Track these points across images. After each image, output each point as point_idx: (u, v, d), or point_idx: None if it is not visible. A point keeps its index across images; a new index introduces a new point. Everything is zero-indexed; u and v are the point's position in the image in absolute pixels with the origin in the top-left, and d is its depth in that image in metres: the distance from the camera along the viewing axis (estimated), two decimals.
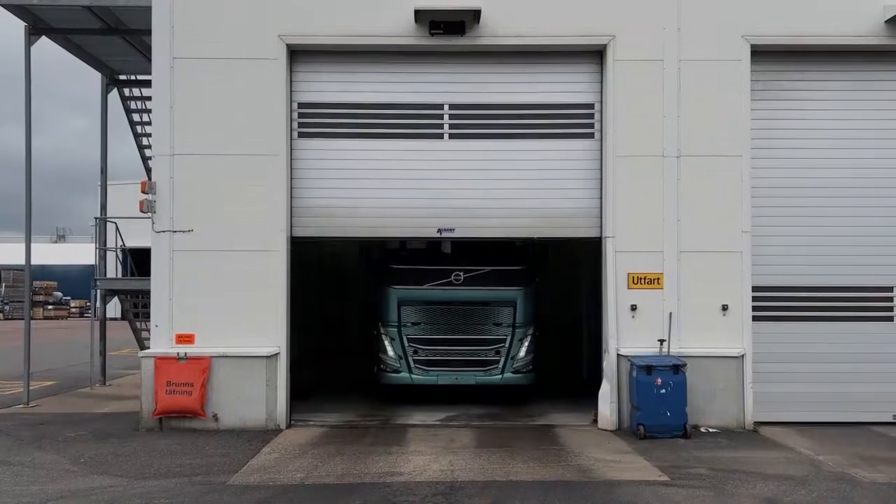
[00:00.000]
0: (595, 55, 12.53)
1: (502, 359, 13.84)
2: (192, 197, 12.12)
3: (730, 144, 12.17)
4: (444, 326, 13.89)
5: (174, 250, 12.11)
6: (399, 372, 13.89)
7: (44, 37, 15.03)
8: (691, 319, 12.08)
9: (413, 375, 13.80)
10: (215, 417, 11.75)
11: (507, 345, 13.86)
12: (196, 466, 9.57)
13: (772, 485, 8.67)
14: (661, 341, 11.92)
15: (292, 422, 12.14)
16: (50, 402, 14.68)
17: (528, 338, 14.01)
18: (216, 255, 12.07)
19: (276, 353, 12.02)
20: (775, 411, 12.06)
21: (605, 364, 12.14)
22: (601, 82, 12.51)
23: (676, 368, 11.36)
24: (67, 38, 15.75)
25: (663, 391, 11.26)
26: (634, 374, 11.53)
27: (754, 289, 12.14)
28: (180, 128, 12.15)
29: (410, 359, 13.87)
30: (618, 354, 12.02)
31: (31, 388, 14.72)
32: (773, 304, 12.25)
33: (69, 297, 53.57)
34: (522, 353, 13.91)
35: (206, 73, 12.19)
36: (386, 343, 13.99)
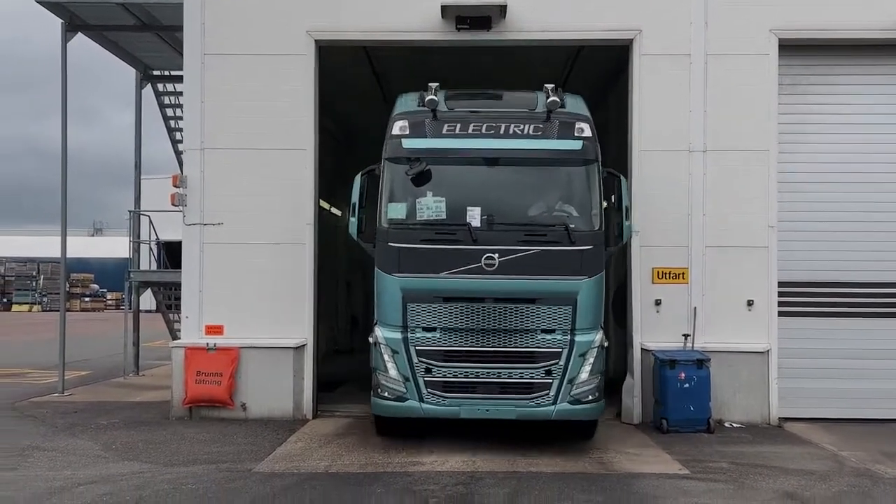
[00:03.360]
0: (622, 50, 12.56)
1: (556, 382, 9.60)
2: (222, 191, 12.33)
3: (757, 139, 12.12)
4: (471, 334, 9.67)
5: (204, 243, 12.34)
6: (404, 399, 9.69)
7: (80, 33, 15.39)
8: (716, 314, 12.05)
9: (424, 405, 9.64)
10: (244, 407, 11.97)
11: (562, 361, 9.61)
12: (223, 454, 9.79)
13: (792, 479, 8.68)
14: (686, 336, 11.92)
15: (319, 412, 12.33)
16: (84, 392, 15.02)
17: (595, 351, 9.73)
18: (245, 247, 12.27)
19: (303, 345, 12.20)
20: (801, 407, 12.01)
21: (629, 358, 12.18)
22: (628, 77, 12.52)
23: (700, 363, 11.37)
24: (103, 34, 16.07)
25: (687, 385, 11.26)
26: (658, 368, 11.55)
27: (780, 284, 12.09)
28: (210, 122, 12.37)
29: (421, 380, 9.66)
30: (642, 349, 12.05)
31: (66, 377, 15.07)
32: (799, 299, 12.18)
33: (105, 290, 54.46)
34: (586, 374, 9.64)
35: (236, 69, 12.38)
36: (385, 357, 9.79)
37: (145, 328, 18.23)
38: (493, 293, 9.62)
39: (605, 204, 10.26)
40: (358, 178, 10.44)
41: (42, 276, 52.10)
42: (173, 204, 12.42)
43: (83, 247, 56.79)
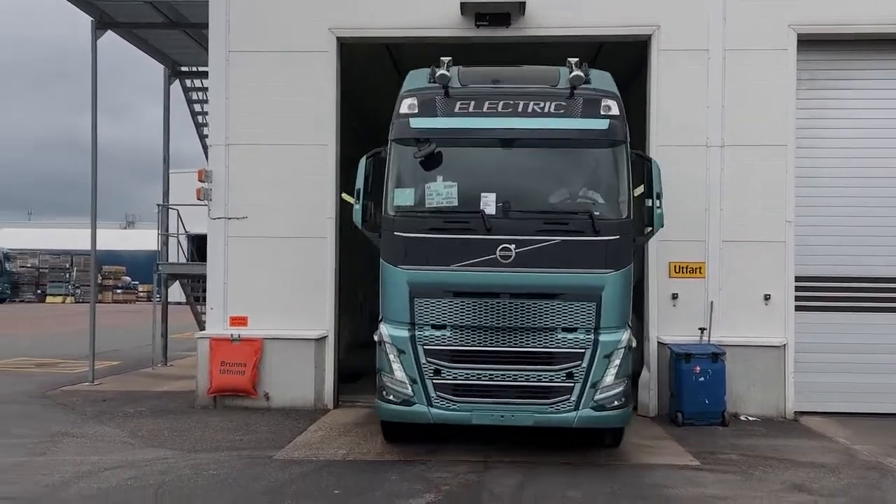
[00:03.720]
0: (640, 45, 12.65)
1: (577, 386, 8.78)
2: (246, 185, 12.60)
3: (775, 134, 12.16)
4: (484, 332, 8.88)
5: (229, 236, 12.63)
6: (410, 403, 8.94)
7: (110, 31, 15.74)
8: (733, 309, 12.12)
9: (433, 409, 8.89)
10: (266, 396, 12.25)
11: (585, 363, 8.78)
12: (245, 441, 10.07)
13: (802, 471, 8.79)
14: (702, 330, 12.01)
15: (340, 402, 12.58)
16: (113, 381, 15.40)
17: (622, 352, 8.91)
18: (269, 241, 12.54)
19: (325, 337, 12.46)
20: (817, 401, 12.06)
21: (645, 352, 12.29)
22: (646, 72, 12.60)
23: (715, 356, 11.46)
24: (132, 31, 16.43)
25: (702, 379, 11.36)
26: (674, 361, 11.66)
27: (797, 279, 12.13)
28: (235, 118, 12.64)
29: (429, 383, 8.91)
30: (658, 343, 12.16)
31: (96, 367, 15.46)
32: (816, 294, 12.21)
33: (137, 282, 55.22)
34: (611, 377, 8.82)
35: (260, 66, 12.63)
36: (390, 357, 9.04)
37: (175, 320, 18.59)
38: (509, 287, 8.80)
39: (639, 191, 9.55)
40: (363, 162, 9.63)
41: (75, 269, 52.97)
42: (199, 198, 12.72)
43: (115, 240, 57.66)
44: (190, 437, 10.34)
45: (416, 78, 9.76)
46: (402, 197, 9.15)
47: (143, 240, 57.75)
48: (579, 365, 8.79)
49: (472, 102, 9.15)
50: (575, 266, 8.83)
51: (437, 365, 8.92)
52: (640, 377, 12.26)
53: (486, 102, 9.12)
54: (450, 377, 8.92)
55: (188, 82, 18.65)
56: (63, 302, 51.66)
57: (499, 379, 8.86)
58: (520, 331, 8.87)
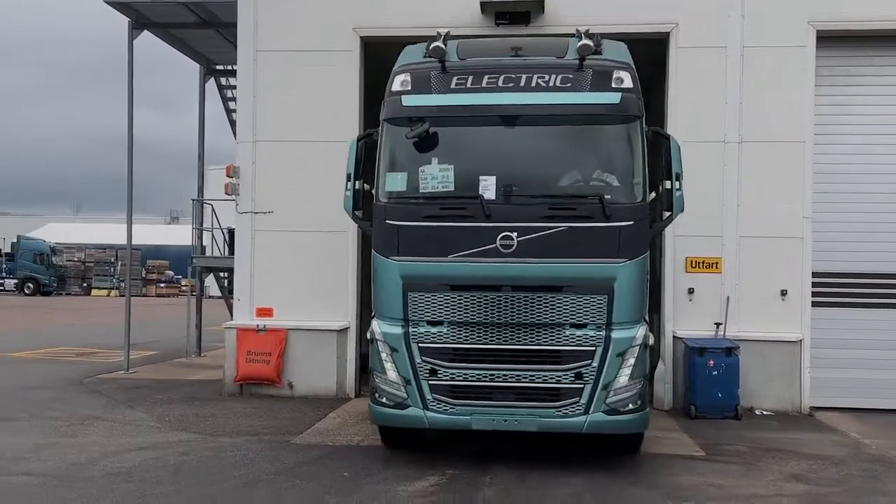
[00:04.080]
0: (658, 43, 12.77)
1: (588, 387, 8.02)
2: (272, 181, 13.00)
3: (793, 130, 12.22)
4: (484, 329, 8.16)
5: (255, 230, 13.04)
6: (404, 406, 8.26)
7: (146, 31, 16.26)
8: (749, 304, 12.22)
9: (429, 413, 8.19)
10: (290, 385, 12.65)
11: (595, 362, 8.02)
12: (266, 427, 10.46)
13: (805, 463, 8.91)
14: (718, 324, 12.12)
15: (361, 392, 12.91)
16: (147, 370, 15.93)
17: (636, 350, 8.11)
18: (293, 234, 12.93)
19: (346, 328, 12.82)
20: (833, 397, 12.12)
21: (661, 346, 12.44)
22: (664, 69, 12.73)
23: (729, 351, 11.58)
24: (167, 31, 16.94)
25: (715, 373, 11.48)
26: (687, 355, 11.81)
27: (814, 274, 12.19)
28: (262, 116, 13.06)
29: (424, 384, 8.21)
30: (674, 336, 12.30)
31: (134, 357, 16.07)
32: (833, 289, 12.26)
33: (180, 276, 56.30)
34: (625, 377, 8.04)
35: (286, 65, 13.03)
36: (382, 356, 8.40)
37: (213, 312, 19.09)
38: (511, 280, 8.07)
39: (667, 181, 8.62)
40: (353, 145, 9.01)
41: (120, 263, 54.23)
42: (227, 193, 13.15)
43: (160, 235, 59.03)
44: (214, 422, 10.76)
45: (411, 53, 9.03)
46: (394, 182, 8.45)
47: (187, 235, 58.94)
48: (589, 364, 8.01)
49: (471, 77, 8.36)
50: (584, 255, 8.04)
51: (433, 364, 8.20)
52: (655, 370, 12.44)
53: (486, 77, 8.33)
54: (447, 378, 8.21)
55: (223, 80, 19.16)
56: (108, 295, 52.92)
57: (500, 380, 8.13)
58: (523, 327, 8.11)
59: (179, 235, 59.89)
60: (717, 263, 12.37)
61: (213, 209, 18.90)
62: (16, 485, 7.68)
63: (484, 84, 8.32)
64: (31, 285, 52.04)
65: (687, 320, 12.33)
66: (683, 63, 12.47)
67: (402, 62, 8.84)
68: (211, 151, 19.53)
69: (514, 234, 8.03)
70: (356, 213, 9.00)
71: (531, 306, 8.08)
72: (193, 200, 18.68)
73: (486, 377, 8.16)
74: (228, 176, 13.09)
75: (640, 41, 12.84)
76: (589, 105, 8.21)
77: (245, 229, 13.10)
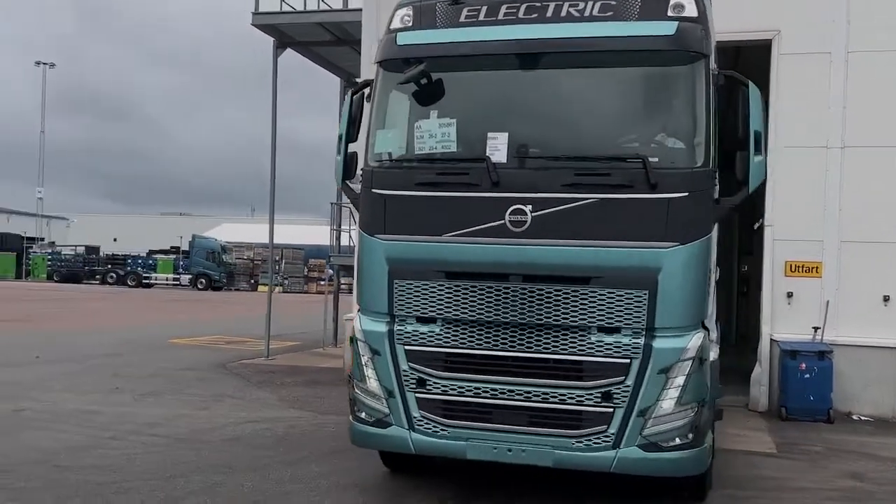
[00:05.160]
0: (761, 50, 12.95)
1: (619, 412, 6.19)
2: None
3: None
4: (487, 330, 6.46)
5: None
6: (385, 425, 6.65)
7: (289, 49, 17.88)
8: (849, 309, 12.18)
9: (415, 434, 6.55)
10: None
11: (630, 380, 6.18)
12: None
13: (872, 464, 9.07)
14: (816, 329, 12.19)
15: None
16: (285, 357, 17.50)
17: (688, 365, 6.17)
18: None
19: None
20: None
21: (758, 349, 12.62)
22: (767, 76, 12.89)
23: (822, 354, 11.65)
24: (308, 48, 18.53)
25: (807, 376, 11.60)
26: (780, 357, 11.97)
27: None
28: None
29: (411, 397, 6.58)
30: (770, 340, 12.46)
31: (275, 346, 17.77)
32: None
33: None
34: (670, 402, 6.15)
35: None
36: (362, 360, 6.78)
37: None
38: (522, 267, 6.34)
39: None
40: (348, 100, 7.13)
41: (284, 261, 57.74)
42: None
43: (322, 235, 62.19)
44: (326, 403, 11.98)
45: None
46: (385, 142, 6.87)
47: (345, 236, 61.88)
48: (622, 382, 6.16)
49: (485, 8, 6.70)
50: (619, 237, 6.19)
51: (422, 373, 6.53)
52: (752, 373, 12.64)
53: (504, 6, 6.65)
54: (438, 391, 6.50)
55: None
56: (273, 291, 56.41)
57: (505, 397, 6.36)
58: (536, 329, 6.35)
59: (342, 236, 62.99)
60: (817, 268, 12.42)
61: (350, 211, 20.39)
62: (146, 443, 9.11)
63: (500, 15, 6.62)
64: (203, 281, 56.45)
65: (785, 324, 12.45)
66: (785, 69, 12.59)
67: None
68: None
69: (528, 208, 6.26)
70: (346, 183, 7.15)
71: (547, 302, 6.29)
72: (332, 204, 20.24)
73: (487, 392, 6.40)
74: None
75: (733, 49, 13.23)
76: (634, 39, 6.31)
77: None
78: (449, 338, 6.54)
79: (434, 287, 6.54)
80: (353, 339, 6.98)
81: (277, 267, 58.80)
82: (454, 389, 6.48)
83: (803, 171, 12.44)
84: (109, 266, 63.46)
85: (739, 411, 12.31)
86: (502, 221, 6.32)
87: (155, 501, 6.97)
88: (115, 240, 79.00)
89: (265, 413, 11.05)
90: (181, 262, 60.41)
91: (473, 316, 6.46)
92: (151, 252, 64.86)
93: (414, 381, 6.57)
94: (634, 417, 6.14)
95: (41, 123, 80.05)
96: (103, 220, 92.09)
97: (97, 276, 61.44)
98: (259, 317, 18.25)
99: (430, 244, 6.54)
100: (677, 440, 6.15)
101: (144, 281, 58.47)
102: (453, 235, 6.47)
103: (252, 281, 59.42)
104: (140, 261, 62.67)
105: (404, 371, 6.60)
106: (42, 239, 75.43)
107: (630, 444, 6.15)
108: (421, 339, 6.60)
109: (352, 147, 7.09)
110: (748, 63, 14.59)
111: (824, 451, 9.68)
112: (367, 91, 7.09)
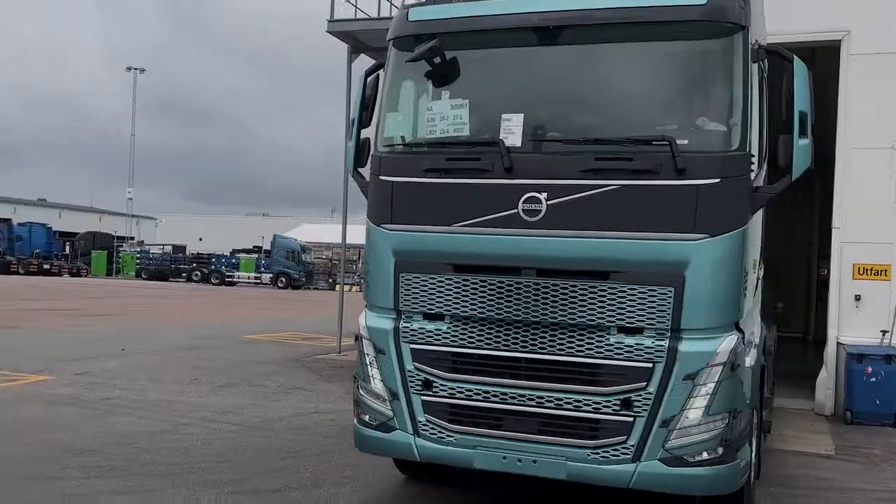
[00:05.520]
0: (829, 51, 12.84)
1: (639, 422, 5.69)
2: None
3: None
4: (498, 328, 6.03)
5: None
6: (389, 429, 6.31)
7: (362, 54, 18.38)
8: None
9: (419, 440, 6.19)
10: None
11: (652, 386, 5.67)
12: None
13: None
14: (884, 332, 12.04)
15: None
16: (356, 353, 17.91)
17: (717, 372, 5.61)
18: None
19: None
20: None
21: (825, 352, 12.52)
22: (836, 77, 12.77)
23: (889, 358, 11.52)
24: (382, 54, 18.97)
25: (873, 380, 11.48)
26: (846, 361, 11.87)
27: None
28: None
29: (416, 400, 6.21)
30: (837, 343, 12.35)
31: (347, 343, 18.14)
32: None
33: None
34: (698, 412, 5.61)
35: None
36: (367, 359, 6.50)
37: None
38: (537, 260, 5.89)
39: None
40: (361, 81, 6.80)
41: (360, 261, 58.67)
42: None
43: None
44: None
45: None
46: (395, 125, 6.57)
47: None
48: (643, 388, 5.66)
49: None
50: (643, 228, 5.69)
51: (428, 375, 6.15)
52: (818, 377, 12.55)
53: None
54: (444, 394, 6.12)
55: None
56: (350, 290, 57.40)
57: (516, 402, 5.94)
58: (550, 329, 5.90)
59: None
60: (886, 271, 12.26)
61: None
62: (217, 429, 9.69)
63: None
64: (283, 279, 58.02)
65: (852, 327, 12.32)
66: (854, 70, 12.45)
67: None
68: None
69: (544, 196, 5.81)
70: (358, 170, 6.79)
71: (562, 299, 5.82)
72: None
73: (496, 397, 5.99)
74: None
75: (808, 50, 13.13)
76: (664, 9, 5.81)
77: None
78: (457, 336, 6.13)
79: (442, 281, 6.14)
80: (357, 338, 6.67)
81: (353, 267, 59.98)
82: (462, 392, 6.07)
83: (872, 172, 12.29)
84: (195, 264, 65.90)
85: (804, 414, 12.28)
86: (515, 210, 5.88)
87: (222, 480, 7.47)
88: (200, 239, 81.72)
89: (332, 405, 11.51)
90: (263, 262, 62.15)
91: (483, 313, 6.03)
92: (235, 251, 67.02)
93: (419, 383, 6.18)
94: (657, 428, 5.62)
95: (132, 127, 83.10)
96: (190, 220, 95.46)
97: (183, 274, 63.84)
98: (335, 315, 18.81)
99: (437, 235, 6.12)
100: (705, 454, 5.59)
101: (227, 279, 60.43)
102: (462, 225, 6.05)
103: (330, 280, 60.62)
104: (224, 260, 64.83)
105: (409, 372, 6.20)
106: (132, 238, 78.50)
107: (651, 458, 5.62)
108: (427, 337, 6.19)
109: (365, 133, 6.71)
110: (824, 66, 14.48)
111: (884, 454, 9.63)
112: (381, 73, 6.69)
